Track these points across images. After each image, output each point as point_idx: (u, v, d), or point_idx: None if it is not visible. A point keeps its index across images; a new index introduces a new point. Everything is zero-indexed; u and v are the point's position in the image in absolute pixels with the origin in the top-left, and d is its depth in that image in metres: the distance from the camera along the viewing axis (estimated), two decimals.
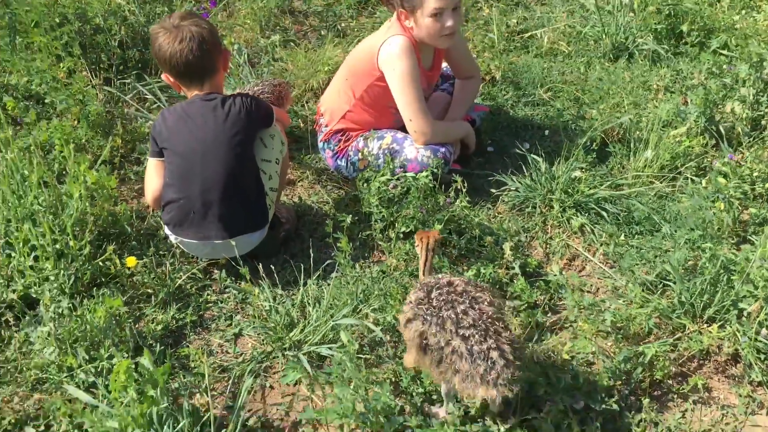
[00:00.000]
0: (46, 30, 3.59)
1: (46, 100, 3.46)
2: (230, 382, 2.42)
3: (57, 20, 3.65)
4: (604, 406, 2.24)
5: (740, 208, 2.99)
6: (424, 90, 3.24)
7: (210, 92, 2.69)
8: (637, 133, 3.41)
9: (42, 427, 2.28)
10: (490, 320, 2.03)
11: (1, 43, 3.63)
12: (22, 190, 2.78)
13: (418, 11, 2.98)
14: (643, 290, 2.63)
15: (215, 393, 2.41)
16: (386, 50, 3.06)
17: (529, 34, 4.38)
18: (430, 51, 3.24)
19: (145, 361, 2.13)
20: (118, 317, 2.49)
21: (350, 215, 2.83)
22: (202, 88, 2.69)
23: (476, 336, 2.00)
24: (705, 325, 2.54)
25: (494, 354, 1.98)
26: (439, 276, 2.18)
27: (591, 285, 2.82)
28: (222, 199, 2.64)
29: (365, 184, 2.98)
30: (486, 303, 2.07)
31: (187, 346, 2.54)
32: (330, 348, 2.40)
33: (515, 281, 2.71)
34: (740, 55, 3.79)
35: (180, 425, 2.10)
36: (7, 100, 3.26)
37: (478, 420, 2.22)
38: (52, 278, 2.60)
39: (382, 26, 3.24)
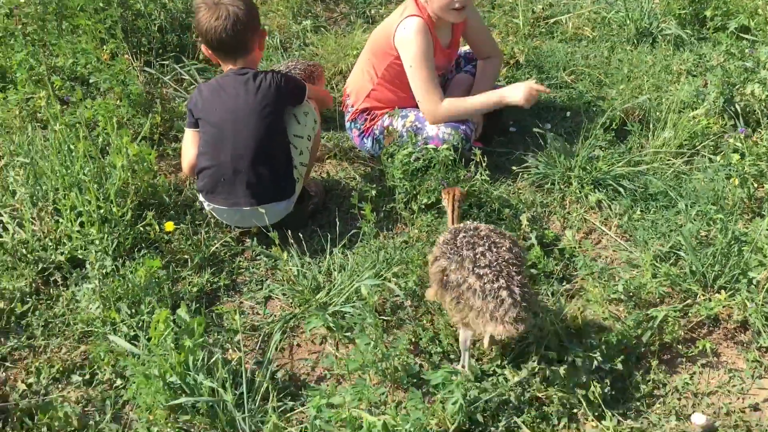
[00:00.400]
0: (90, 14, 3.79)
1: (90, 81, 3.66)
2: (260, 339, 2.58)
3: (101, 4, 3.85)
4: (612, 365, 2.36)
5: (755, 185, 3.06)
6: (443, 67, 3.37)
7: (243, 67, 2.85)
8: (657, 114, 3.49)
9: (87, 375, 2.46)
10: (504, 263, 2.22)
11: (50, 26, 3.84)
12: (69, 161, 2.97)
13: None
14: (656, 261, 2.73)
15: (246, 349, 2.57)
16: (401, 31, 3.19)
17: (555, 19, 4.47)
18: (447, 29, 3.35)
19: (182, 312, 2.30)
20: (157, 278, 2.67)
21: (375, 188, 2.98)
22: (236, 64, 2.86)
23: (489, 275, 2.18)
24: (715, 294, 2.63)
25: (503, 293, 2.16)
26: (468, 222, 2.39)
27: (606, 257, 2.92)
28: (251, 167, 2.80)
29: (389, 159, 3.12)
30: (504, 248, 2.26)
31: (221, 306, 2.71)
32: (353, 307, 2.54)
33: (531, 251, 2.82)
34: (763, 39, 3.84)
35: (216, 375, 2.27)
36: (54, 80, 3.46)
37: (492, 373, 2.35)
38: (96, 242, 2.79)
39: (400, 6, 3.37)
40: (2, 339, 2.60)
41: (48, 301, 2.73)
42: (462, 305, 2.22)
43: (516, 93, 3.13)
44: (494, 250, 2.24)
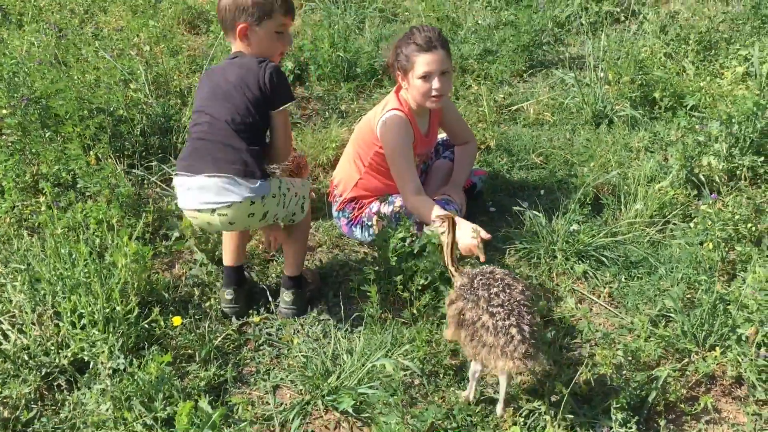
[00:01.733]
0: (75, 122, 3.88)
1: (77, 185, 3.70)
2: (275, 428, 2.58)
3: (86, 112, 3.95)
4: (624, 429, 2.44)
5: (726, 249, 3.27)
6: (422, 154, 3.57)
7: (237, 52, 2.90)
8: (625, 188, 3.73)
9: None
10: (516, 303, 2.43)
11: (33, 135, 3.90)
12: (70, 264, 2.98)
13: (410, 73, 3.33)
14: (648, 324, 2.86)
15: None
16: (382, 125, 3.40)
17: (516, 107, 4.76)
18: (425, 118, 3.56)
19: (203, 404, 2.31)
20: (165, 375, 2.66)
21: (373, 271, 3.08)
22: (233, 47, 2.92)
23: (501, 314, 2.39)
24: (709, 352, 2.77)
25: (513, 330, 2.35)
26: (485, 266, 2.61)
27: (599, 324, 3.05)
28: (219, 139, 2.74)
29: (384, 242, 3.22)
30: (517, 291, 2.48)
31: (231, 398, 2.71)
32: (370, 387, 2.57)
33: None
34: (710, 115, 4.17)
35: None
36: (43, 185, 3.50)
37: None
38: (99, 343, 2.77)
39: (382, 101, 3.58)
40: None
41: (53, 407, 2.68)
42: (476, 342, 2.41)
43: (462, 236, 3.05)
44: (507, 291, 2.45)
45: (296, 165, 3.53)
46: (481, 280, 2.52)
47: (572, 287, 3.22)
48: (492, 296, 2.44)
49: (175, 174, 2.85)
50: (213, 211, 2.74)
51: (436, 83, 3.31)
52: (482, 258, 2.88)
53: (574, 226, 3.40)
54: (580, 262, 3.31)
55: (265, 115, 2.83)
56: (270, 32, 2.84)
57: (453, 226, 2.74)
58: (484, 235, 2.93)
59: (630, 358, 2.75)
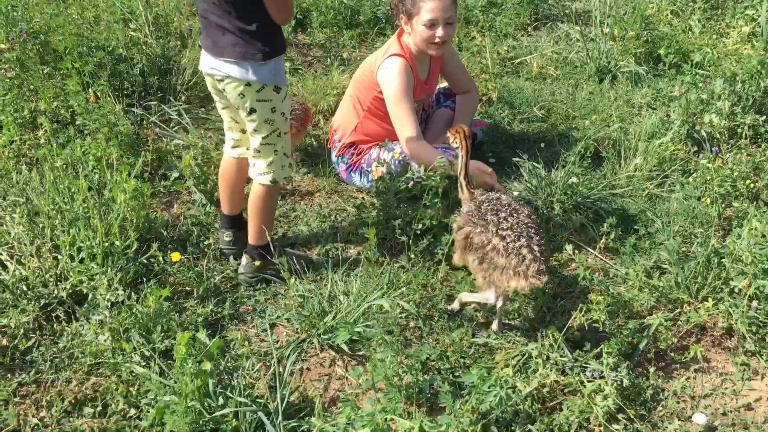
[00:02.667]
0: (75, 58, 3.84)
1: (77, 122, 3.68)
2: (272, 363, 2.61)
3: (85, 49, 3.90)
4: (614, 374, 2.48)
5: (723, 205, 3.29)
6: (421, 99, 3.56)
7: None
8: (626, 142, 3.72)
9: (99, 407, 2.44)
10: (524, 225, 2.55)
11: (33, 70, 3.86)
12: (69, 198, 2.98)
13: (414, 18, 3.30)
14: (642, 275, 2.89)
15: (257, 376, 2.60)
16: (383, 69, 3.37)
17: (519, 60, 4.72)
18: (426, 64, 3.53)
19: (201, 335, 2.33)
20: (164, 309, 2.68)
21: (371, 215, 3.09)
22: None
23: (512, 236, 2.51)
24: (701, 304, 2.80)
25: (524, 250, 2.47)
26: (491, 192, 2.72)
27: (596, 274, 3.07)
28: (214, 20, 2.58)
29: (384, 188, 3.22)
30: (524, 215, 2.61)
31: (229, 333, 2.74)
32: (367, 326, 2.60)
33: None
34: (714, 73, 4.15)
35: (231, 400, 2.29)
36: (42, 121, 3.48)
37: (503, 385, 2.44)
38: (98, 276, 2.79)
39: (383, 45, 3.54)
40: (8, 375, 2.56)
41: (52, 337, 2.70)
42: (486, 264, 2.53)
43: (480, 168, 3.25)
44: (515, 215, 2.58)
45: (304, 110, 3.52)
46: (488, 206, 2.63)
47: (569, 238, 3.24)
48: (501, 220, 2.55)
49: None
50: (220, 80, 2.66)
51: (440, 31, 3.28)
52: (495, 185, 3.06)
53: (573, 179, 3.40)
54: (577, 213, 3.32)
55: None
56: None
57: (466, 138, 2.80)
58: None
59: (623, 307, 2.78)
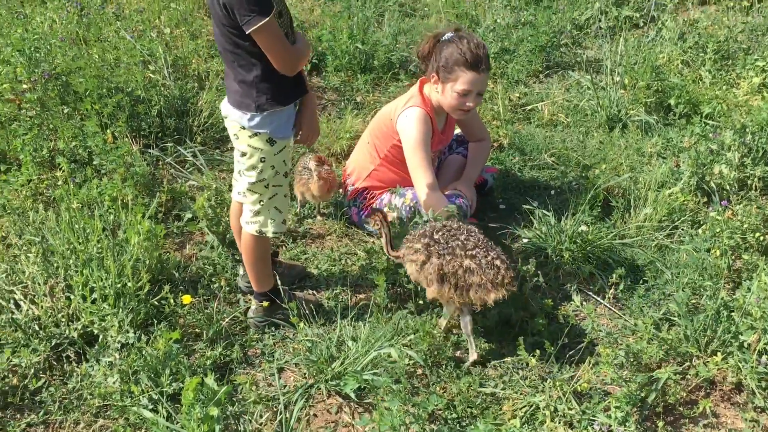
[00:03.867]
0: (94, 100, 3.93)
1: (93, 162, 3.75)
2: (279, 408, 2.62)
3: (105, 91, 3.99)
4: (623, 428, 2.46)
5: (733, 257, 3.29)
6: (437, 149, 3.58)
7: None
8: (636, 192, 3.74)
9: None
10: (485, 241, 2.76)
11: (53, 111, 3.95)
12: (83, 238, 3.02)
13: (449, 83, 3.32)
14: (651, 327, 2.88)
15: (264, 422, 2.60)
16: (403, 119, 3.41)
17: (531, 107, 4.78)
18: (443, 115, 3.58)
19: (210, 380, 2.35)
20: (173, 351, 2.70)
21: (380, 261, 3.11)
22: None
23: (481, 253, 2.68)
24: (710, 357, 2.78)
25: (497, 262, 2.67)
26: (433, 223, 2.88)
27: (604, 324, 3.07)
28: (226, 60, 2.59)
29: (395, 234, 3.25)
30: (480, 233, 2.80)
31: (237, 377, 2.75)
32: (375, 374, 2.61)
33: (535, 319, 2.95)
34: (724, 124, 4.18)
35: None
36: (60, 161, 3.55)
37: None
38: (109, 317, 2.82)
39: (404, 94, 3.59)
40: (18, 415, 2.58)
41: (62, 377, 2.73)
42: (461, 289, 2.67)
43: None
44: (472, 234, 2.77)
45: (318, 159, 3.52)
46: (441, 234, 2.77)
47: (578, 287, 3.25)
48: (465, 242, 2.71)
49: None
50: (225, 117, 2.70)
51: (471, 103, 3.33)
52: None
53: (583, 227, 3.41)
54: (587, 262, 3.33)
55: (247, 36, 2.42)
56: None
57: (385, 220, 2.99)
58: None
59: (632, 359, 2.77)
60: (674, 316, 2.96)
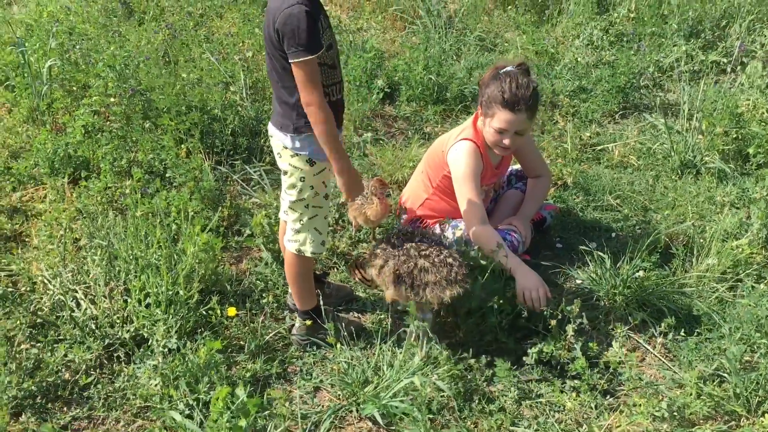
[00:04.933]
0: (173, 116, 4.15)
1: (166, 175, 3.95)
2: (308, 426, 2.66)
3: (183, 108, 4.21)
4: None
5: None
6: (491, 184, 3.58)
7: None
8: (701, 240, 3.61)
9: None
10: (438, 241, 2.88)
11: (135, 124, 4.20)
12: (145, 246, 3.19)
13: (488, 119, 3.33)
14: (700, 381, 2.77)
15: None
16: (453, 151, 3.42)
17: (601, 147, 4.70)
18: None
19: (240, 391, 2.42)
20: (215, 361, 2.80)
21: None
22: None
23: (434, 252, 2.81)
24: (759, 419, 2.65)
25: (450, 259, 2.79)
26: (387, 236, 3.02)
27: (650, 374, 2.97)
28: (272, 81, 2.69)
29: None
30: (430, 234, 2.93)
31: (272, 391, 2.82)
32: (402, 401, 2.62)
33: (576, 362, 2.89)
34: None
35: None
36: (135, 172, 3.76)
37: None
38: (160, 322, 2.95)
39: (459, 126, 3.62)
40: (65, 408, 2.73)
41: (110, 376, 2.87)
42: (417, 288, 2.78)
43: (524, 282, 3.03)
44: (426, 237, 2.89)
45: (380, 182, 3.55)
46: (399, 238, 2.91)
47: (628, 334, 3.15)
48: (418, 244, 2.84)
49: None
50: (271, 136, 2.80)
51: (506, 141, 3.30)
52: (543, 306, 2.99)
53: (640, 273, 3.32)
54: (641, 309, 3.24)
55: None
56: None
57: (363, 277, 3.16)
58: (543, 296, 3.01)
59: (674, 413, 2.67)
60: (725, 372, 2.83)
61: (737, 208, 3.99)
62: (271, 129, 2.77)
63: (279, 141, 2.72)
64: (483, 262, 3.05)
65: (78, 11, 5.68)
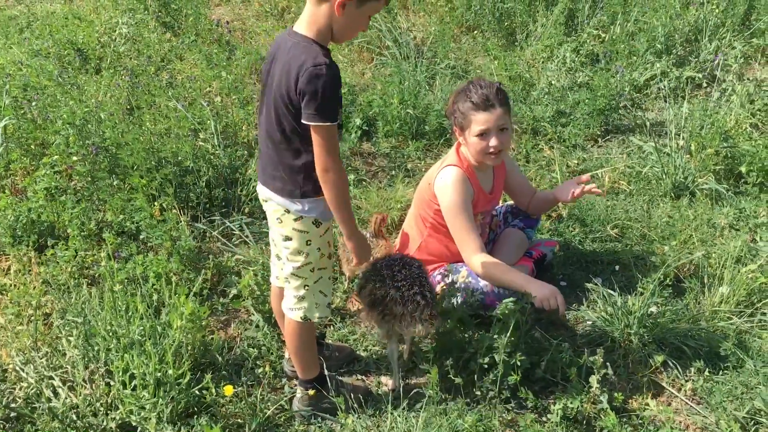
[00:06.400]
0: (143, 173, 3.88)
1: (140, 236, 3.68)
2: None
3: (153, 163, 3.95)
4: None
5: None
6: (486, 210, 3.42)
7: (298, 27, 2.36)
8: (709, 269, 3.48)
9: None
10: (416, 276, 2.76)
11: (101, 184, 3.92)
12: (125, 321, 2.92)
13: (466, 131, 3.19)
14: (738, 429, 2.60)
15: None
16: (439, 180, 3.26)
17: (590, 174, 4.56)
18: (489, 175, 3.40)
19: None
20: None
21: (432, 346, 2.92)
22: (304, 12, 2.36)
23: (406, 286, 2.71)
24: None
25: (418, 297, 2.70)
26: (379, 257, 2.95)
27: (679, 422, 2.80)
28: (264, 147, 2.49)
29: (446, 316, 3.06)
30: (415, 266, 2.82)
31: None
32: None
33: (604, 416, 2.70)
34: None
35: None
36: (107, 236, 3.48)
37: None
38: (148, 406, 2.68)
39: (442, 157, 3.45)
40: None
41: None
42: (388, 316, 2.73)
43: (542, 292, 2.96)
44: (407, 268, 2.78)
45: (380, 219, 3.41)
46: (383, 263, 2.83)
47: (650, 377, 2.98)
48: (395, 273, 2.75)
49: None
50: (265, 201, 2.55)
51: (493, 141, 3.16)
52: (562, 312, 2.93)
53: (653, 308, 3.16)
54: (659, 349, 3.07)
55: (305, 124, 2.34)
56: (365, 15, 2.34)
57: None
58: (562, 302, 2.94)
59: None
60: (761, 415, 2.67)
61: (737, 230, 3.88)
62: (266, 193, 2.53)
63: (279, 206, 2.49)
64: (496, 314, 2.85)
65: (31, 64, 5.37)
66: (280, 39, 2.42)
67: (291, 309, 2.65)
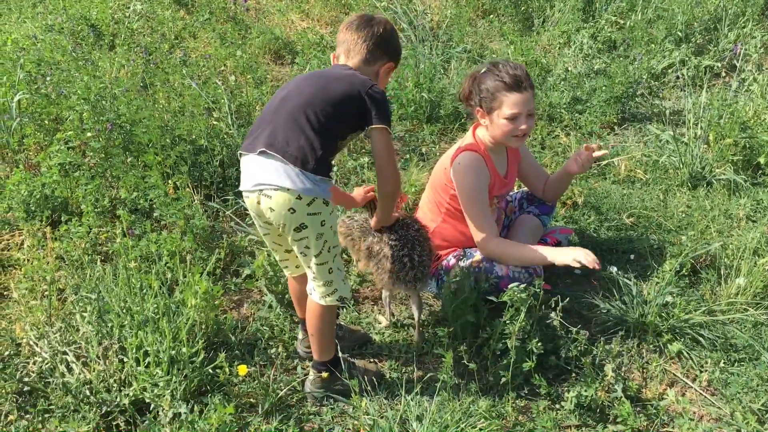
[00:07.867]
0: (157, 151, 3.87)
1: (154, 214, 3.67)
2: None
3: (168, 141, 3.93)
4: None
5: None
6: (501, 194, 3.39)
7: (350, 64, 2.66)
8: (726, 260, 3.44)
9: None
10: (411, 238, 2.88)
11: (117, 161, 3.90)
12: (140, 298, 2.91)
13: (495, 112, 3.14)
14: (755, 422, 2.58)
15: None
16: (456, 164, 3.22)
17: (606, 162, 4.52)
18: (503, 157, 3.37)
19: None
20: (225, 427, 2.53)
21: (445, 331, 2.91)
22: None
23: (398, 245, 2.86)
24: None
25: (405, 259, 2.84)
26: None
27: (694, 412, 2.78)
28: (286, 112, 2.49)
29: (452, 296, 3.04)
30: (413, 229, 2.92)
31: None
32: None
33: (618, 405, 2.69)
34: None
35: None
36: (120, 213, 3.47)
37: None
38: (162, 383, 2.68)
39: (458, 141, 3.42)
40: None
41: None
42: (380, 270, 2.89)
43: (570, 254, 3.01)
44: (405, 229, 2.90)
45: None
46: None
47: (664, 367, 2.96)
48: (392, 232, 2.88)
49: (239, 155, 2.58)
50: (260, 191, 2.45)
51: (523, 125, 3.13)
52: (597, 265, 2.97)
53: (669, 298, 3.14)
54: (674, 339, 3.05)
55: (350, 120, 2.50)
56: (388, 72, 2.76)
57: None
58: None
59: None
60: None
61: (754, 221, 3.84)
62: (275, 179, 2.41)
63: (287, 193, 2.39)
64: (517, 296, 2.82)
65: (45, 39, 5.35)
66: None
67: (322, 296, 2.63)
